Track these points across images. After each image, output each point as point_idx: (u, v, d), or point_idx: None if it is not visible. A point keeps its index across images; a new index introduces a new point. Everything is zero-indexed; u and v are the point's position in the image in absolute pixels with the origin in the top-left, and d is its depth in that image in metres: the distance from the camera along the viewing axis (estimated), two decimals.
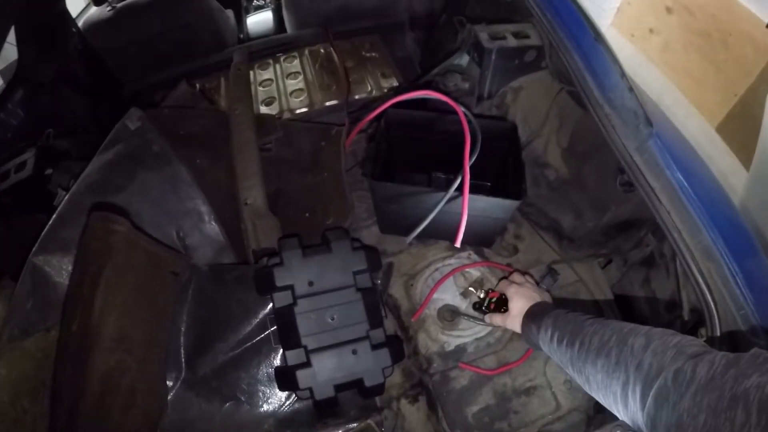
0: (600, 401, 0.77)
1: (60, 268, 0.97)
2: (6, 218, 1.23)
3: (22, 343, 0.91)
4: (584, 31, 0.97)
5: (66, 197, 1.04)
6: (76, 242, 0.96)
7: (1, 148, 1.32)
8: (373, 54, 1.99)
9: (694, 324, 0.91)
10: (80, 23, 1.85)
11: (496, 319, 1.12)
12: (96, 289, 0.88)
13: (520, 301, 1.07)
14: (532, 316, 1.02)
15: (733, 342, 0.79)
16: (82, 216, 0.98)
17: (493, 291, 1.17)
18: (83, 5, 2.06)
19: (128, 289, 0.94)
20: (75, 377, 0.84)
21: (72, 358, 0.85)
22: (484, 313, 1.16)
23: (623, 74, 0.91)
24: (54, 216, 1.01)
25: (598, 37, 0.95)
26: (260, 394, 1.03)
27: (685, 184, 0.83)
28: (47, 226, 0.99)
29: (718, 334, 0.80)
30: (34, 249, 0.96)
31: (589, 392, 0.80)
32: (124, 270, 0.94)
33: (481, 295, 1.18)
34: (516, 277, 1.18)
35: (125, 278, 0.94)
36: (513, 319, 1.07)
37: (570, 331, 0.85)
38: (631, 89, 0.89)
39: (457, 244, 1.13)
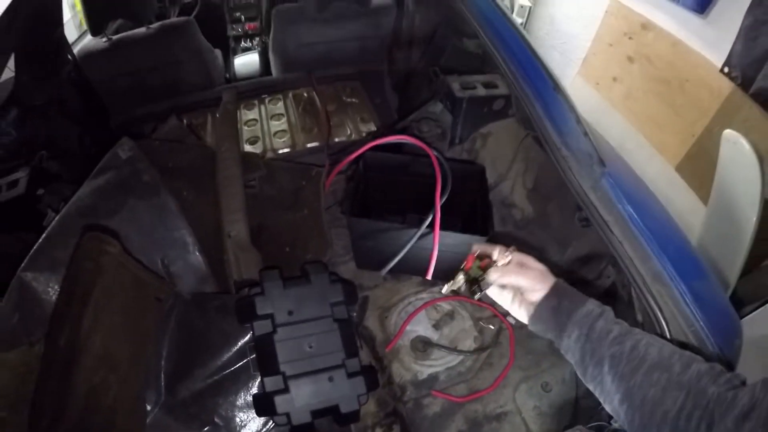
0: (627, 415, 0.71)
1: (47, 286, 0.97)
2: None
3: (6, 355, 0.91)
4: (545, 82, 1.06)
5: (56, 218, 1.05)
6: (64, 262, 0.97)
7: None
8: (354, 99, 2.09)
9: None
10: (75, 51, 1.88)
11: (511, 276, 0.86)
12: (85, 306, 0.89)
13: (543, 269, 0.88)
14: (566, 292, 0.84)
15: None
16: (71, 238, 0.99)
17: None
18: (77, 35, 2.10)
19: (115, 309, 0.96)
20: (58, 392, 0.85)
21: (56, 373, 0.86)
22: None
23: (579, 120, 1.00)
24: (44, 235, 1.01)
25: (556, 87, 1.04)
26: (237, 420, 1.04)
27: (635, 216, 0.91)
28: (37, 244, 1.00)
29: None
30: (23, 265, 0.97)
31: (614, 401, 0.72)
32: (113, 291, 0.97)
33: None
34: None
35: (113, 299, 0.96)
36: (541, 276, 0.86)
37: (618, 329, 0.76)
38: (585, 133, 0.97)
39: (428, 277, 1.19)
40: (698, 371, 0.66)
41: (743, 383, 0.65)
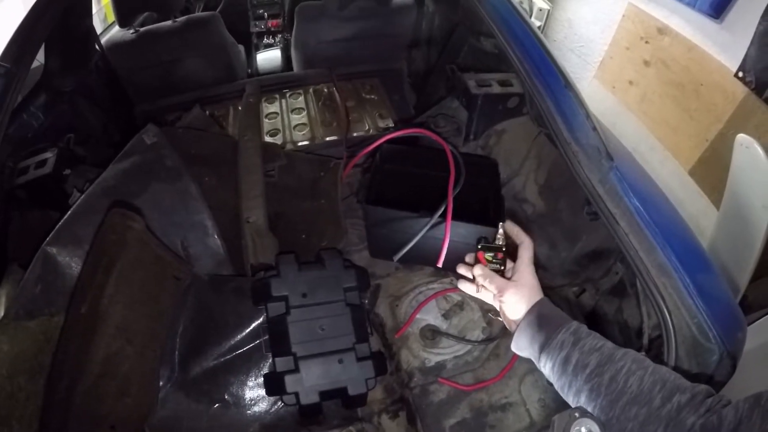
0: None
1: (70, 260, 1.01)
2: (21, 210, 1.27)
3: (27, 323, 0.94)
4: (556, 79, 1.09)
5: (82, 197, 1.10)
6: (87, 238, 1.01)
7: (22, 147, 1.37)
8: (373, 96, 2.11)
9: (657, 336, 0.99)
10: (103, 41, 1.93)
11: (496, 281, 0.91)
12: (108, 277, 0.94)
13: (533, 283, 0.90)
14: (545, 318, 0.85)
15: (687, 347, 0.86)
16: (95, 216, 1.04)
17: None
18: (102, 27, 2.17)
19: (136, 283, 1.01)
20: (77, 356, 0.89)
21: (77, 338, 0.90)
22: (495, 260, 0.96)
23: (588, 116, 1.02)
24: (69, 212, 1.06)
25: (567, 84, 1.07)
26: (247, 398, 1.08)
27: (641, 209, 0.93)
28: (62, 220, 1.04)
29: (674, 341, 0.86)
30: (47, 239, 1.01)
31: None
32: (135, 265, 1.01)
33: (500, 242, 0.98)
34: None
35: (135, 273, 1.01)
36: (528, 295, 0.89)
37: (597, 359, 0.75)
38: (594, 128, 1.00)
39: (439, 265, 1.22)
40: (678, 403, 0.65)
41: (729, 403, 0.64)
